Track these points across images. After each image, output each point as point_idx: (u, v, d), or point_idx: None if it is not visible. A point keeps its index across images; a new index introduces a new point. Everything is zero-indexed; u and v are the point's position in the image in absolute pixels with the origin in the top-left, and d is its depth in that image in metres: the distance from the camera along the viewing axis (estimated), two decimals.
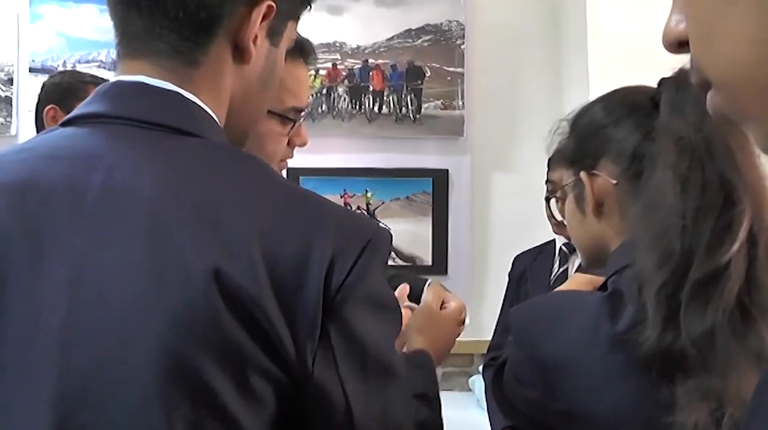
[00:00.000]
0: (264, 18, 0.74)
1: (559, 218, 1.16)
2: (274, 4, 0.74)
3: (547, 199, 1.14)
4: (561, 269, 2.18)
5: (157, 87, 0.71)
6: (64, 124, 0.73)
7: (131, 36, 0.73)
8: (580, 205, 1.03)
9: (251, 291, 0.63)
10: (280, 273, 0.64)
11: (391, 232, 2.55)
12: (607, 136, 0.99)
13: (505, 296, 2.38)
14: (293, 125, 1.24)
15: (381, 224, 2.86)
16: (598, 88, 2.44)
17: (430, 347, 1.10)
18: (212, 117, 0.74)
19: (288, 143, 1.26)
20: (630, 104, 1.00)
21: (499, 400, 1.08)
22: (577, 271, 2.08)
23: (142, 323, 0.62)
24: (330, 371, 0.67)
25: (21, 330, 0.63)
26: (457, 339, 2.87)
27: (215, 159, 0.71)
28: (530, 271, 2.27)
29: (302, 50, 1.24)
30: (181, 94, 0.71)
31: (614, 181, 0.98)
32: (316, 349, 0.66)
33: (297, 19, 0.83)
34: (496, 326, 2.36)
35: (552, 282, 2.18)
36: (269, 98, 0.84)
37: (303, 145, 1.29)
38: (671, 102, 0.90)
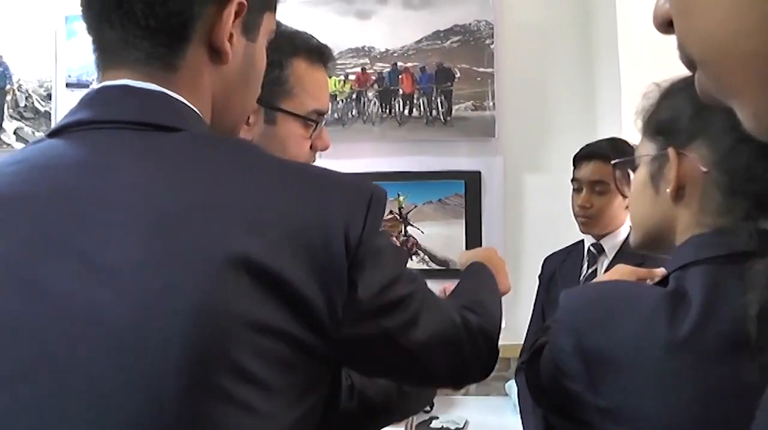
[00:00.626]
0: (236, 16, 0.74)
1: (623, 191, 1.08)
2: (244, 1, 0.75)
3: (615, 165, 1.05)
4: (590, 270, 2.17)
5: (142, 88, 0.72)
6: (51, 135, 0.73)
7: (106, 47, 0.74)
8: (655, 181, 0.95)
9: (276, 267, 0.65)
10: (305, 244, 0.68)
11: (422, 232, 2.53)
12: (712, 118, 0.89)
13: (536, 298, 2.37)
14: (315, 128, 1.25)
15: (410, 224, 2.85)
16: (630, 85, 2.42)
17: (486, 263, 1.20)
18: (198, 114, 0.75)
19: (311, 147, 1.27)
20: None
21: (532, 383, 1.03)
22: (607, 270, 2.06)
23: (164, 318, 0.62)
24: (363, 318, 0.73)
25: (40, 340, 0.62)
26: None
27: (209, 148, 0.72)
28: (560, 272, 2.26)
29: (322, 55, 1.26)
30: (165, 93, 0.72)
31: (705, 169, 0.89)
32: (345, 304, 0.70)
33: (273, 9, 0.84)
34: (529, 329, 2.34)
35: (582, 283, 2.16)
36: (253, 94, 0.85)
37: (325, 149, 1.30)
38: None
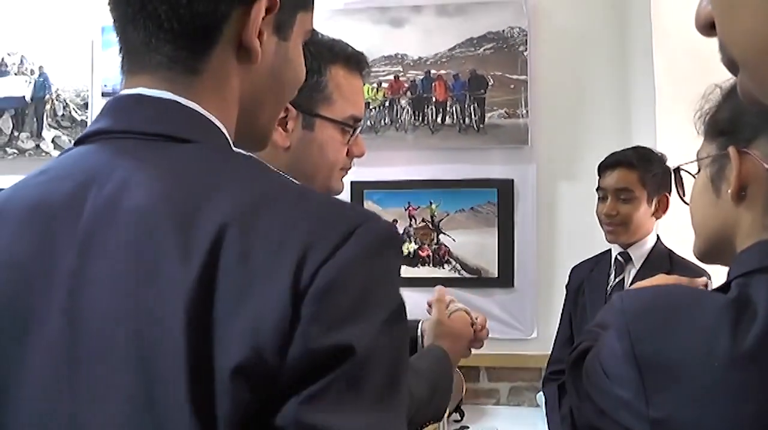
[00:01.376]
0: (267, 12, 0.72)
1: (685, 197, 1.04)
2: None
3: (677, 170, 1.00)
4: (617, 279, 2.15)
5: (154, 97, 0.70)
6: (78, 143, 0.73)
7: (131, 51, 0.73)
8: (716, 183, 0.91)
9: (218, 304, 0.59)
10: (255, 272, 0.59)
11: (454, 240, 2.52)
12: None
13: (564, 308, 2.35)
14: (352, 134, 1.27)
15: (446, 233, 2.84)
16: (665, 91, 2.38)
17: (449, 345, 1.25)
18: (213, 122, 0.72)
19: (347, 153, 1.29)
20: None
21: (574, 388, 0.99)
22: (633, 281, 2.04)
23: (119, 339, 0.60)
24: (311, 386, 0.59)
25: (42, 359, 0.63)
26: (526, 353, 2.82)
27: (205, 162, 0.68)
28: (588, 282, 2.25)
29: (359, 63, 1.28)
30: (178, 102, 0.70)
31: None
32: (294, 355, 0.58)
33: (307, 9, 0.81)
34: (556, 339, 2.32)
35: (609, 293, 2.15)
36: (287, 94, 0.82)
37: (361, 155, 1.32)
38: None
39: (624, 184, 2.10)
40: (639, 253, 2.13)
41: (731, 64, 0.40)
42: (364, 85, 1.32)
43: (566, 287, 2.35)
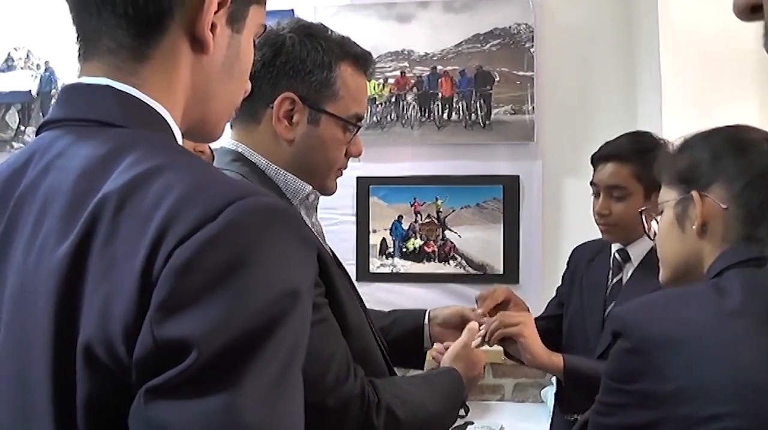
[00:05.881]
0: (220, 6, 0.73)
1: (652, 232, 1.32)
2: None
3: (642, 212, 1.36)
4: (615, 279, 1.95)
5: (89, 84, 0.71)
6: (38, 130, 0.75)
7: (84, 38, 0.74)
8: (681, 221, 1.13)
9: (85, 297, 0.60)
10: (120, 264, 0.58)
11: (460, 236, 2.48)
12: (725, 165, 1.09)
13: (563, 280, 2.16)
14: (355, 133, 1.28)
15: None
16: (671, 89, 2.38)
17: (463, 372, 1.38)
18: (151, 107, 0.72)
19: (345, 153, 1.29)
20: (747, 141, 1.11)
21: None
22: (630, 280, 1.88)
23: (5, 319, 0.63)
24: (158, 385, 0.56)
25: None
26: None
27: (121, 144, 0.67)
28: (586, 275, 2.03)
29: (366, 61, 1.28)
30: (112, 87, 0.71)
31: (724, 206, 1.08)
32: (141, 345, 0.56)
33: (260, 2, 0.82)
34: (549, 303, 2.20)
35: (607, 293, 1.94)
36: (239, 87, 0.82)
37: (358, 154, 1.32)
38: None
39: (616, 180, 1.85)
40: (638, 251, 1.89)
41: None
42: (369, 81, 1.32)
43: (567, 262, 2.21)
